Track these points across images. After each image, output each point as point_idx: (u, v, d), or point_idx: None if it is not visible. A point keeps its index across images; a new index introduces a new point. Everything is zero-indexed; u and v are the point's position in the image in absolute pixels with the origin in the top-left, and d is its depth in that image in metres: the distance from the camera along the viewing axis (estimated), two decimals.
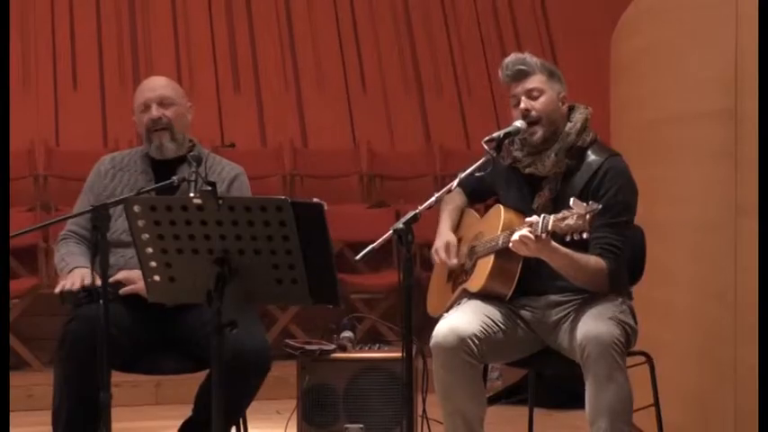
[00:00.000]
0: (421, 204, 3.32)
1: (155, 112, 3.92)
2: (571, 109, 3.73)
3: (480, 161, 3.52)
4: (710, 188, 4.07)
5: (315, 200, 3.01)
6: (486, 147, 3.53)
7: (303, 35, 8.82)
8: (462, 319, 3.58)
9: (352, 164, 8.40)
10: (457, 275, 3.87)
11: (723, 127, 3.92)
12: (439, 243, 3.84)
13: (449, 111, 8.88)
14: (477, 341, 3.53)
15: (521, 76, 3.67)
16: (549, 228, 3.32)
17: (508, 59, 3.72)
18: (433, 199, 3.41)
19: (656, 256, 3.99)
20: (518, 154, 3.71)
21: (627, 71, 5.05)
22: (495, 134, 3.59)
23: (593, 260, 3.54)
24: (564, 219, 3.30)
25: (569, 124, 3.68)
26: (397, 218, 6.68)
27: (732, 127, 3.85)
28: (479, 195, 4.01)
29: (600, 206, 3.27)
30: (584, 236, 3.29)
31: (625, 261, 3.67)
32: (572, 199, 3.30)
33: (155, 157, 3.98)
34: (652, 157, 4.53)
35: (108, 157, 4.10)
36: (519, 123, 3.64)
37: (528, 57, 3.70)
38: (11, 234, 3.56)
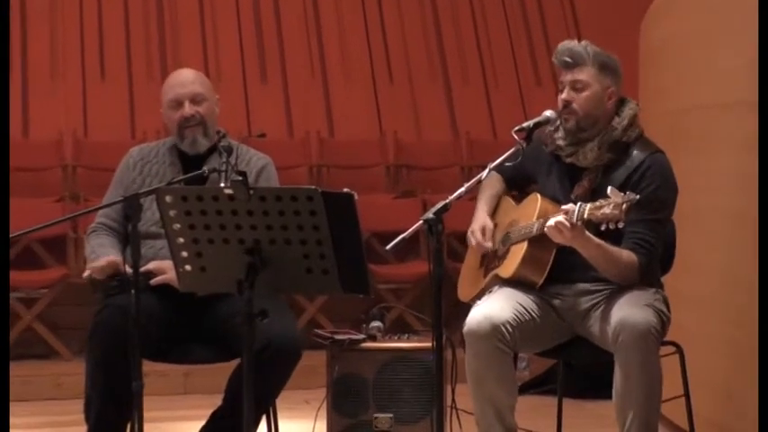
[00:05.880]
0: (448, 194, 3.30)
1: (188, 109, 3.92)
2: (621, 102, 3.69)
3: (510, 151, 3.52)
4: (738, 178, 4.05)
5: (345, 190, 3.01)
6: (516, 136, 3.51)
7: (330, 25, 8.81)
8: (495, 307, 3.57)
9: (378, 154, 8.38)
10: (489, 261, 3.86)
11: (751, 116, 3.90)
12: (475, 225, 3.82)
13: (475, 100, 8.84)
14: (510, 328, 3.52)
15: (567, 66, 3.64)
16: (585, 216, 3.31)
17: (560, 46, 3.68)
18: (462, 189, 3.39)
19: (684, 246, 3.97)
20: (561, 142, 3.69)
21: (656, 59, 5.02)
22: (524, 124, 3.57)
23: (626, 254, 3.52)
24: (600, 207, 3.28)
25: (617, 119, 3.65)
26: (424, 208, 6.71)
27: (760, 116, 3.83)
28: (518, 183, 3.98)
29: (637, 197, 3.24)
30: (620, 225, 3.27)
31: (658, 257, 3.66)
32: (609, 188, 3.28)
33: (187, 152, 3.98)
34: (680, 147, 4.49)
35: (136, 149, 4.11)
36: (549, 113, 3.63)
37: (580, 46, 3.64)
38: (41, 225, 3.56)
